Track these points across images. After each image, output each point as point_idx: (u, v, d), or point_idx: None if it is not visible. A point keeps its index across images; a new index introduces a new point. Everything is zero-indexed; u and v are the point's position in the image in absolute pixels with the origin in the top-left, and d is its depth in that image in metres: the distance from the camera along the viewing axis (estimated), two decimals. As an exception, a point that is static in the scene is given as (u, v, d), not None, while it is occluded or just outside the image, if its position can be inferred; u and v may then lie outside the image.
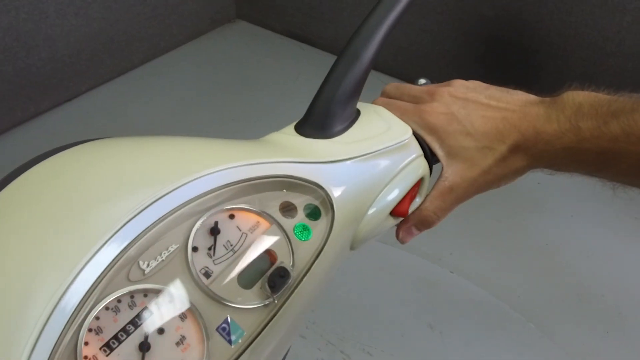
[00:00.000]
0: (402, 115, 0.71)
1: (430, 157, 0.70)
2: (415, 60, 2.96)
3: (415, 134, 0.70)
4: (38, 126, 2.63)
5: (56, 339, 0.38)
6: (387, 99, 0.76)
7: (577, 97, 0.63)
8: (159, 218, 0.45)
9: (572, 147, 0.62)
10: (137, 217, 0.44)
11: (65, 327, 0.39)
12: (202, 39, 3.41)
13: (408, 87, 0.77)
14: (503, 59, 2.29)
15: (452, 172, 0.69)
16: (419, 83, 0.79)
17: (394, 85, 0.79)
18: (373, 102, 0.75)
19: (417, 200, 0.71)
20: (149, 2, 2.99)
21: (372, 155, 0.63)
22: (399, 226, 0.76)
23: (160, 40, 3.17)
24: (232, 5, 3.56)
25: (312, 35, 3.30)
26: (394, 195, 0.65)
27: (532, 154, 0.66)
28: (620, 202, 2.43)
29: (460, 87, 0.72)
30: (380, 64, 2.74)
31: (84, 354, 0.39)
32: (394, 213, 0.66)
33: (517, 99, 0.68)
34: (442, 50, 2.87)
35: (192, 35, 3.37)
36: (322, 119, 0.63)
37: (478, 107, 0.68)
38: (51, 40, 2.61)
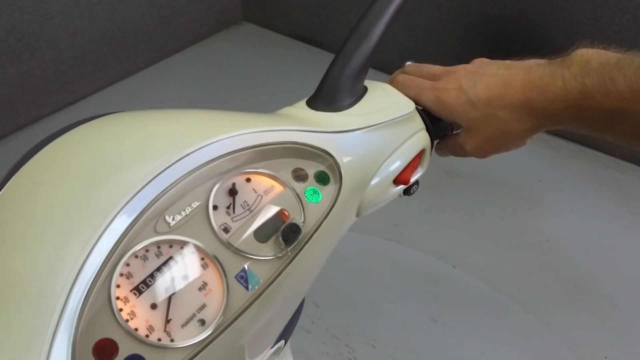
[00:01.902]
0: (419, 92, 0.74)
1: (432, 130, 0.74)
2: (420, 61, 3.00)
3: (418, 109, 0.74)
4: (41, 130, 2.62)
5: (91, 280, 0.42)
6: (407, 75, 0.78)
7: (586, 54, 0.62)
8: (183, 175, 0.49)
9: (578, 104, 0.62)
10: (164, 172, 0.47)
11: (99, 270, 0.43)
12: (208, 41, 3.44)
13: (428, 67, 0.79)
14: (506, 58, 2.34)
15: (463, 138, 0.73)
16: (405, 65, 0.83)
17: (415, 65, 0.81)
18: (391, 77, 0.78)
19: (419, 170, 0.75)
20: (155, 4, 3.01)
21: (378, 127, 0.67)
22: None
23: (166, 43, 3.19)
24: (238, 7, 3.59)
25: (318, 36, 3.35)
26: (397, 164, 0.68)
27: (537, 113, 0.66)
28: (618, 199, 2.48)
29: (477, 62, 0.74)
30: (386, 65, 2.77)
31: (116, 294, 0.43)
32: (397, 181, 0.70)
33: (525, 63, 0.68)
34: (447, 50, 2.91)
35: (199, 38, 3.40)
36: (332, 94, 0.66)
37: (484, 77, 0.69)
38: (55, 42, 2.62)
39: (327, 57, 3.58)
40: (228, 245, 0.50)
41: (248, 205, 0.53)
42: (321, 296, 2.01)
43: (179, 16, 3.19)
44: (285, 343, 0.74)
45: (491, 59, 0.74)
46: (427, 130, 0.73)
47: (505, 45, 2.68)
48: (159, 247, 0.46)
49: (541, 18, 2.55)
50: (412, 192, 0.76)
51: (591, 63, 0.61)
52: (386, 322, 1.98)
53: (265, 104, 2.85)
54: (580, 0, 2.41)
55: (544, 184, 2.53)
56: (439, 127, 0.76)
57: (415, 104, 0.73)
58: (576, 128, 0.66)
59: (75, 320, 0.40)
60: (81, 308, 0.41)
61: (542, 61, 0.67)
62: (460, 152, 0.75)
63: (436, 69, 0.77)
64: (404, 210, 2.35)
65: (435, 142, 0.78)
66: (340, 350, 1.89)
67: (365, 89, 0.71)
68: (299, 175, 0.58)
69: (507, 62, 0.71)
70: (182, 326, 0.45)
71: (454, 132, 0.77)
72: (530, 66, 0.67)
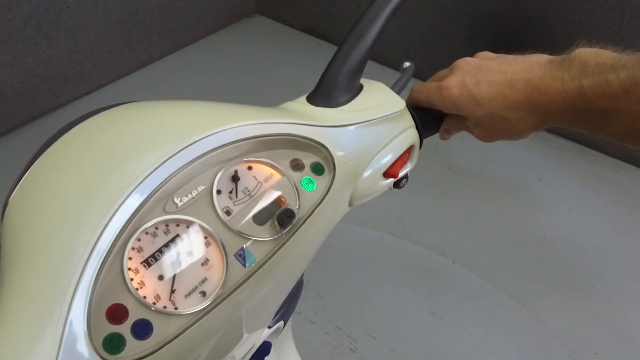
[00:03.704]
0: (427, 94, 0.77)
1: (421, 129, 0.79)
2: (426, 58, 3.02)
3: (409, 108, 0.78)
4: (57, 120, 2.66)
5: (105, 252, 0.47)
6: (420, 82, 0.81)
7: (584, 54, 0.63)
8: (190, 161, 0.54)
9: (576, 106, 0.63)
10: (173, 158, 0.52)
11: (113, 243, 0.48)
12: (220, 33, 3.47)
13: (439, 72, 0.81)
14: (510, 54, 2.40)
15: (470, 126, 0.75)
16: (403, 66, 0.87)
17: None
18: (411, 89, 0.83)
19: (408, 165, 0.79)
20: (169, -5, 3.05)
21: (370, 123, 0.71)
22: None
23: (179, 34, 3.23)
24: (250, 0, 3.62)
25: (328, 30, 3.39)
26: (387, 158, 0.72)
27: (539, 114, 0.67)
28: (615, 198, 2.52)
29: (480, 56, 0.75)
30: (393, 61, 2.81)
31: (128, 266, 0.49)
32: (386, 174, 0.75)
33: (528, 61, 0.69)
34: (452, 47, 2.95)
35: (211, 30, 3.43)
36: (329, 91, 0.70)
37: (488, 73, 0.70)
38: (71, 32, 2.65)
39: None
40: (229, 227, 0.55)
41: (249, 191, 0.58)
42: (325, 288, 2.06)
43: (192, 8, 3.21)
44: (285, 325, 0.79)
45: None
46: (417, 128, 0.77)
47: (508, 43, 2.68)
48: (167, 225, 0.52)
49: (543, 17, 2.59)
50: (401, 185, 0.79)
51: (589, 64, 0.62)
52: (387, 314, 2.03)
53: (276, 95, 2.85)
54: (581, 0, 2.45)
55: (544, 183, 2.57)
56: (428, 125, 0.80)
57: (429, 106, 0.78)
58: (576, 127, 0.67)
59: (91, 287, 0.45)
60: (96, 276, 0.46)
61: (544, 59, 0.68)
62: (468, 131, 0.78)
63: (444, 70, 0.79)
64: (407, 206, 2.39)
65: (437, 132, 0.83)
66: (342, 340, 1.94)
67: (361, 87, 0.75)
68: (296, 165, 0.63)
69: (510, 56, 0.72)
70: (186, 296, 0.50)
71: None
72: (532, 65, 0.68)
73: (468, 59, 0.75)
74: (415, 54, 3.05)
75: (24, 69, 2.53)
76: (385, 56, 2.78)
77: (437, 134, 0.84)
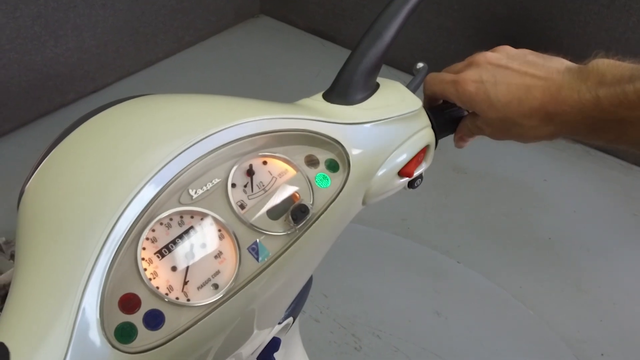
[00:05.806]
0: (442, 86, 0.76)
1: (437, 129, 0.79)
2: (431, 58, 3.02)
3: (425, 108, 0.78)
4: (64, 117, 2.68)
5: (119, 241, 0.48)
6: (434, 73, 0.80)
7: (602, 66, 0.62)
8: (206, 153, 0.54)
9: (593, 116, 0.62)
10: (188, 149, 0.53)
11: (127, 233, 0.49)
12: (225, 33, 3.48)
13: (455, 64, 0.80)
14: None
15: (483, 125, 0.74)
16: (417, 67, 0.87)
17: (446, 68, 0.82)
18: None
19: (423, 165, 0.79)
20: (175, -5, 3.06)
21: (386, 121, 0.71)
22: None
23: (184, 34, 3.24)
24: (256, 0, 3.64)
25: (333, 31, 3.38)
26: (402, 158, 0.72)
27: (554, 124, 0.66)
28: (620, 200, 2.52)
29: (501, 53, 0.73)
30: (397, 62, 2.81)
31: (142, 256, 0.49)
32: (401, 174, 0.75)
33: (548, 66, 0.68)
34: (457, 48, 2.96)
35: (216, 30, 3.44)
36: (345, 88, 0.70)
37: (507, 75, 0.69)
38: (79, 31, 2.67)
39: (341, 52, 3.54)
40: (243, 220, 0.55)
41: (263, 185, 0.59)
42: (330, 287, 2.06)
43: (198, 8, 3.23)
44: (294, 321, 0.79)
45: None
46: (433, 128, 0.77)
47: (513, 44, 2.67)
48: (181, 217, 0.52)
49: (549, 18, 2.59)
50: (415, 185, 0.79)
51: (606, 77, 0.61)
52: (391, 313, 2.03)
53: (280, 95, 2.89)
54: (587, 1, 2.44)
55: (549, 183, 2.57)
56: (444, 125, 0.80)
57: (441, 98, 0.78)
58: (593, 138, 0.66)
59: (104, 276, 0.46)
60: (110, 265, 0.47)
61: (563, 67, 0.67)
62: (481, 133, 0.78)
63: (461, 63, 0.78)
64: (412, 205, 2.40)
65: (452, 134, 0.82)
66: (347, 339, 1.94)
67: (378, 86, 0.75)
68: (311, 162, 0.63)
69: (530, 57, 0.71)
70: (198, 288, 0.51)
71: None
72: (551, 73, 0.67)
73: (488, 54, 0.74)
74: (420, 55, 3.05)
75: (31, 67, 2.54)
76: (390, 56, 2.78)
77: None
